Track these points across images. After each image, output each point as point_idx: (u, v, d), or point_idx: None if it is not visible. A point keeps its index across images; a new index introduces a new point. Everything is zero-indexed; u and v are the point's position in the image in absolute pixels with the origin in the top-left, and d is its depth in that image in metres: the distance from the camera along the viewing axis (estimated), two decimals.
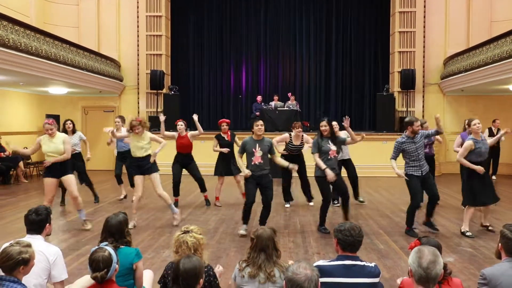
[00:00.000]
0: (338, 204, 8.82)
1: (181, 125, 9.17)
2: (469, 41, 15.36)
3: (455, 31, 15.82)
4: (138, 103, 16.61)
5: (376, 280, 3.27)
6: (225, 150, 9.04)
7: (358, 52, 18.04)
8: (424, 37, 15.97)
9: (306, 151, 8.90)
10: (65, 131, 8.89)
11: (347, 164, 9.12)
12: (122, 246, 3.77)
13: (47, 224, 3.81)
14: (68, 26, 16.06)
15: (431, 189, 7.05)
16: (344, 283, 3.19)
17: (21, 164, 13.08)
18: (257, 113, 15.53)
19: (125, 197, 9.84)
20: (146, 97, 16.57)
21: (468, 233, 6.96)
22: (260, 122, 6.86)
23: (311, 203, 9.41)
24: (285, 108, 15.67)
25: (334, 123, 7.87)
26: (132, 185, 9.80)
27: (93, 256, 3.10)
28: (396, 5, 16.05)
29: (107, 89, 15.51)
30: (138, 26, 16.45)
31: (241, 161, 6.97)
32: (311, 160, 9.75)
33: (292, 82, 18.45)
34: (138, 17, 16.43)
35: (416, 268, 2.70)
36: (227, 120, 9.41)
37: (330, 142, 7.03)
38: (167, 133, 9.08)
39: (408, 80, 15.33)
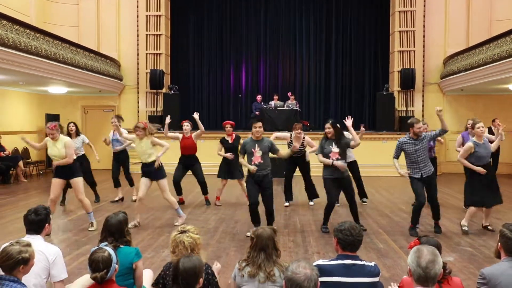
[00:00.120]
0: (338, 204, 8.86)
1: (187, 125, 9.17)
2: (469, 40, 15.38)
3: (455, 31, 15.83)
4: (138, 102, 16.62)
5: (375, 279, 3.28)
6: (229, 156, 8.93)
7: (358, 52, 18.05)
8: (424, 36, 15.99)
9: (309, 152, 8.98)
10: (68, 133, 8.86)
11: (352, 166, 9.06)
12: (122, 246, 3.78)
13: (47, 224, 3.81)
14: (68, 26, 16.06)
15: (429, 194, 7.04)
16: (344, 282, 3.19)
17: (20, 163, 13.08)
18: (257, 113, 15.53)
19: (121, 199, 9.78)
20: (146, 96, 16.58)
21: (464, 227, 7.03)
22: (259, 124, 6.82)
23: (312, 203, 9.42)
24: (285, 108, 15.68)
25: (327, 126, 7.68)
26: (131, 184, 9.83)
27: (93, 256, 3.10)
28: (396, 4, 16.06)
29: (107, 88, 15.52)
30: (138, 26, 16.47)
31: (244, 161, 6.96)
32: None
33: (292, 82, 18.45)
34: (138, 16, 16.44)
35: (415, 267, 2.70)
36: (231, 122, 9.29)
37: (333, 144, 7.02)
38: (170, 134, 9.08)
39: (408, 80, 15.34)
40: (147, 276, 4.10)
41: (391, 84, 16.37)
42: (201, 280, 2.93)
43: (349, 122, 7.05)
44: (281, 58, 18.50)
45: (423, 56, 16.04)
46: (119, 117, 9.28)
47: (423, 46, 16.00)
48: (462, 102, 15.77)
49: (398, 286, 3.44)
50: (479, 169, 6.89)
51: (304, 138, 8.95)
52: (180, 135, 9.12)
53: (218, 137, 9.87)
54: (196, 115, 8.90)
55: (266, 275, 3.37)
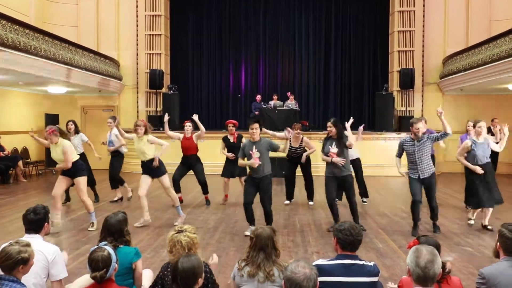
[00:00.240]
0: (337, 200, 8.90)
1: (189, 126, 9.19)
2: (468, 40, 15.40)
3: (454, 30, 15.85)
4: (137, 102, 16.64)
5: (375, 279, 3.28)
6: (230, 156, 9.01)
7: (357, 51, 18.05)
8: (423, 36, 16.01)
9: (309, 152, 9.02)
10: (67, 132, 8.88)
11: (355, 164, 9.06)
12: (122, 246, 3.79)
13: (46, 223, 3.81)
14: (68, 25, 16.07)
15: (427, 195, 7.03)
16: (344, 282, 3.19)
17: (20, 163, 13.08)
18: (256, 112, 15.54)
19: (120, 199, 9.76)
20: (145, 96, 16.59)
21: (470, 221, 7.15)
22: (255, 125, 6.80)
23: (311, 203, 9.44)
24: (284, 108, 15.67)
25: (329, 125, 7.63)
26: (121, 184, 9.79)
27: (93, 255, 3.11)
28: (395, 4, 16.08)
29: (107, 88, 15.51)
30: (137, 25, 16.48)
31: (243, 161, 6.96)
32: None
33: (291, 81, 18.45)
34: (137, 16, 16.46)
35: (414, 267, 2.71)
36: (234, 122, 9.34)
37: (333, 143, 7.04)
38: (170, 133, 9.08)
39: (407, 79, 15.35)
40: (147, 276, 4.10)
41: (391, 84, 16.39)
42: (200, 280, 2.93)
43: (348, 123, 7.13)
44: (281, 57, 18.50)
45: (423, 56, 16.06)
46: (114, 118, 9.34)
47: (423, 46, 16.02)
48: (462, 102, 15.78)
49: (398, 286, 3.45)
50: (476, 168, 6.92)
51: (302, 138, 9.00)
52: (181, 135, 9.13)
53: (217, 136, 9.91)
54: (195, 117, 8.89)
55: (265, 275, 3.37)
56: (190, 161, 9.13)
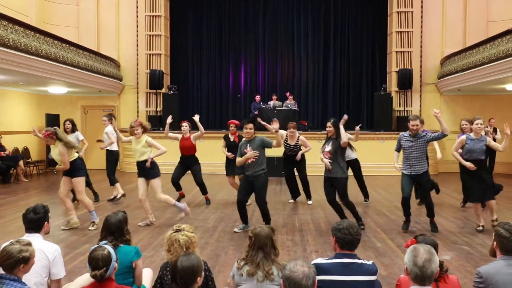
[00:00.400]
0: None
1: (186, 126, 9.21)
2: (465, 41, 15.45)
3: (452, 31, 15.90)
4: (138, 102, 16.66)
5: (373, 278, 3.29)
6: (229, 155, 9.06)
7: (356, 52, 18.10)
8: (421, 37, 16.05)
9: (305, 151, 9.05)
10: (65, 131, 8.94)
11: (352, 165, 9.11)
12: (122, 245, 3.79)
13: (46, 222, 3.82)
14: (68, 26, 16.09)
15: (420, 192, 7.09)
16: (342, 281, 3.20)
17: (21, 163, 13.12)
18: (256, 112, 15.57)
19: (123, 195, 9.80)
20: (145, 96, 16.61)
21: (478, 228, 7.13)
22: (250, 125, 6.88)
23: (310, 202, 9.49)
24: (284, 108, 15.72)
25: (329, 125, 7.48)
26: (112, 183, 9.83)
27: (93, 254, 3.11)
28: (393, 5, 16.13)
29: (107, 88, 15.56)
30: (137, 26, 16.50)
31: (239, 158, 6.99)
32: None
33: (290, 82, 18.50)
34: (137, 17, 16.48)
35: (411, 267, 2.72)
36: (236, 122, 9.35)
37: (330, 143, 7.11)
38: (170, 134, 9.13)
39: (405, 80, 15.40)
40: (147, 275, 4.11)
41: (389, 84, 16.43)
42: (199, 279, 2.93)
43: (342, 121, 7.16)
44: (280, 58, 18.55)
45: (421, 56, 16.11)
46: (109, 116, 9.41)
47: (421, 47, 16.07)
48: (459, 102, 15.83)
49: (396, 285, 3.47)
50: (468, 164, 6.98)
51: (298, 137, 9.06)
52: (179, 136, 9.17)
53: (217, 136, 9.96)
54: (196, 117, 8.92)
55: (264, 274, 3.38)
56: (188, 162, 9.18)
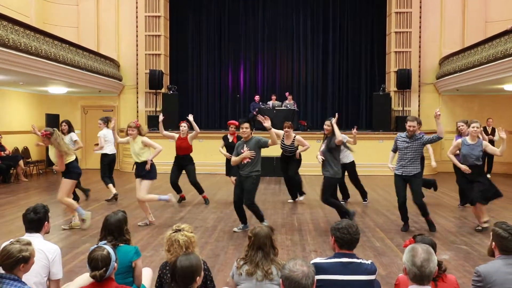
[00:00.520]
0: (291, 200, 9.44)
1: (184, 126, 9.23)
2: (464, 41, 15.49)
3: (451, 32, 15.95)
4: (137, 102, 16.68)
5: (372, 277, 3.30)
6: (228, 155, 9.10)
7: (355, 52, 18.12)
8: (420, 37, 16.08)
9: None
10: (61, 132, 8.96)
11: (348, 167, 9.07)
12: (121, 244, 3.80)
13: (46, 222, 3.81)
14: (68, 26, 16.11)
15: (412, 193, 7.10)
16: (341, 280, 3.21)
17: (21, 163, 13.15)
18: (255, 112, 15.59)
19: (115, 196, 9.76)
20: (145, 96, 16.64)
21: (478, 227, 7.15)
22: (246, 125, 6.90)
23: (290, 200, 9.63)
24: (283, 108, 15.76)
25: (327, 124, 7.48)
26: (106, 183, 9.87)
27: (92, 254, 3.11)
28: (392, 5, 16.16)
29: (107, 88, 15.58)
30: (137, 26, 16.52)
31: (235, 157, 7.01)
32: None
33: (289, 82, 18.54)
34: (137, 17, 16.50)
35: (410, 266, 2.74)
36: (236, 123, 9.36)
37: (325, 141, 7.21)
38: (166, 133, 9.15)
39: (404, 80, 15.43)
40: (146, 275, 4.12)
41: (388, 84, 16.46)
42: (198, 278, 2.93)
43: (333, 120, 7.17)
44: (279, 58, 18.58)
45: (419, 56, 16.13)
46: (104, 119, 9.51)
47: (419, 47, 16.10)
48: (458, 102, 15.87)
49: (395, 284, 3.48)
50: (463, 166, 7.02)
51: (295, 137, 9.07)
52: (176, 135, 9.20)
53: (216, 137, 9.99)
54: (190, 117, 8.94)
55: (263, 273, 3.39)
56: (183, 161, 9.22)
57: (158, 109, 16.11)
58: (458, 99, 15.87)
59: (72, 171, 7.24)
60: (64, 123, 9.45)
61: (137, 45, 16.56)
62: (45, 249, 3.55)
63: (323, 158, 7.13)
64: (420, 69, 16.15)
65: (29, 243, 3.11)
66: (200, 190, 9.48)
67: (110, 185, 9.79)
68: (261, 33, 18.45)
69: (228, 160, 9.26)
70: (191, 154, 9.34)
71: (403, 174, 7.03)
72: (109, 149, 9.80)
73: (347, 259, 3.30)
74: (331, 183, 7.23)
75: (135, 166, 7.70)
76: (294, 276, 2.56)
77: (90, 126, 16.18)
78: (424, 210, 7.13)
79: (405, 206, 7.15)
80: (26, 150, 14.44)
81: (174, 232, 3.50)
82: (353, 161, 9.22)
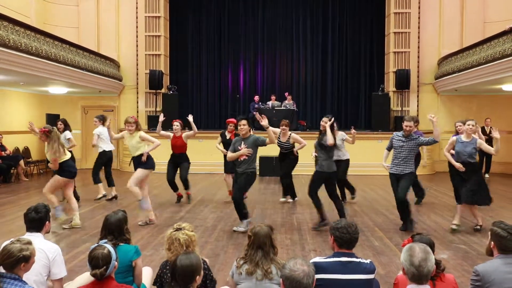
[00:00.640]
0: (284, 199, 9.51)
1: (177, 125, 9.30)
2: (463, 41, 15.52)
3: (449, 32, 15.99)
4: (137, 102, 16.72)
5: (371, 276, 3.32)
6: (225, 152, 9.10)
7: (354, 52, 18.16)
8: (418, 37, 16.12)
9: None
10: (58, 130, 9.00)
11: (340, 164, 8.96)
12: (122, 244, 3.82)
13: (47, 221, 3.83)
14: (68, 27, 16.13)
15: (399, 191, 7.10)
16: (340, 279, 3.22)
17: (21, 162, 13.17)
18: (254, 112, 15.59)
19: (104, 196, 9.78)
20: (145, 96, 16.67)
21: (452, 225, 7.15)
22: (243, 122, 6.98)
23: (282, 199, 9.67)
24: (282, 108, 15.80)
25: (324, 120, 7.47)
26: (109, 184, 9.92)
27: (92, 253, 3.13)
28: (391, 6, 16.20)
29: (107, 88, 15.61)
30: (137, 27, 16.54)
31: (232, 154, 7.03)
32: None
33: (289, 82, 18.58)
34: (137, 17, 16.52)
35: (408, 266, 2.76)
36: (234, 121, 9.39)
37: (319, 137, 7.32)
38: (162, 132, 9.19)
39: (403, 80, 15.48)
40: (147, 274, 4.13)
41: (387, 85, 16.49)
42: (198, 277, 2.95)
43: (328, 123, 7.17)
44: (279, 58, 18.61)
45: (418, 57, 16.17)
46: (99, 117, 9.53)
47: (418, 47, 16.14)
48: (456, 102, 15.91)
49: (394, 284, 3.49)
50: (457, 164, 7.06)
51: (290, 135, 9.12)
52: (171, 134, 9.25)
53: (216, 137, 10.00)
54: (190, 117, 8.99)
55: (263, 272, 3.41)
56: (179, 159, 9.29)
57: (158, 109, 16.13)
58: (456, 99, 15.91)
59: (66, 169, 7.17)
60: (60, 122, 9.53)
61: (137, 46, 16.58)
62: (45, 248, 3.57)
63: (316, 154, 7.23)
64: (419, 69, 16.19)
65: (29, 243, 3.12)
66: (186, 186, 9.52)
67: (100, 185, 9.79)
68: (261, 33, 18.48)
69: (224, 158, 9.30)
70: (187, 153, 9.40)
71: (396, 173, 7.10)
72: (106, 146, 9.79)
73: (346, 258, 3.31)
74: (320, 176, 7.23)
75: (131, 161, 7.78)
76: (295, 275, 2.57)
77: (91, 126, 16.09)
78: (403, 207, 7.09)
79: (400, 205, 7.21)
80: (26, 150, 14.47)
81: (175, 231, 3.53)
82: (348, 159, 9.23)
